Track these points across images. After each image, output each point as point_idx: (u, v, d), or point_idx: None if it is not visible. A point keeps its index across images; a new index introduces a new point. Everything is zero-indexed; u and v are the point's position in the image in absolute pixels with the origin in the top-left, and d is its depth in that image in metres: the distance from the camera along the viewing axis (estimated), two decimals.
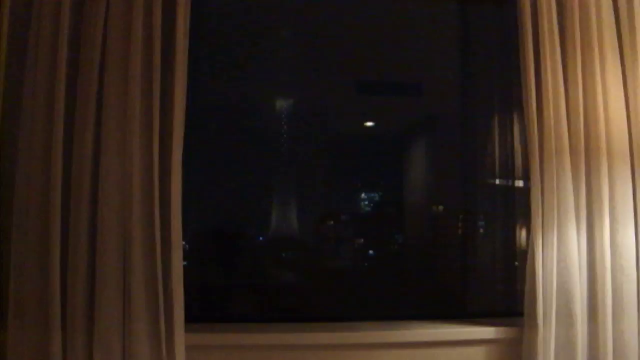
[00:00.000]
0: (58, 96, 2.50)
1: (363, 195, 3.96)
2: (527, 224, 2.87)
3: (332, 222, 3.92)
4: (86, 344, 2.51)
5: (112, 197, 2.54)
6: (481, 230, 3.52)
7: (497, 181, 3.40)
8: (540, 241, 2.75)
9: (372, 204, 3.97)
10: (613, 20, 2.88)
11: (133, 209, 2.53)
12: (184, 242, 2.75)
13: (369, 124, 3.90)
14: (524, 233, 3.18)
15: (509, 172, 3.33)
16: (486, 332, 2.87)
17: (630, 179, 2.81)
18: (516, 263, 3.26)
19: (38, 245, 2.50)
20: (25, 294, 2.50)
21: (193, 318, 2.76)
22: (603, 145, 2.78)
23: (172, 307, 2.54)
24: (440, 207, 3.80)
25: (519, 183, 3.25)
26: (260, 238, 3.91)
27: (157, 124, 2.57)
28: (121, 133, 2.57)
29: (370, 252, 3.94)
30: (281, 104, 3.72)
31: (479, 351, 2.87)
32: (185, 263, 2.73)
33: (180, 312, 2.56)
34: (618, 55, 2.86)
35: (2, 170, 2.56)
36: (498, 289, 3.36)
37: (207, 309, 3.33)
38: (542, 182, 2.77)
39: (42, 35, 2.56)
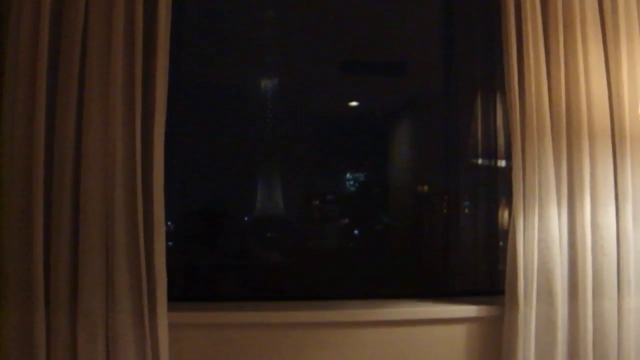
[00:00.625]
0: (40, 77, 2.49)
1: (348, 175, 3.97)
2: (510, 204, 2.87)
3: (317, 202, 3.93)
4: (70, 322, 2.52)
5: (95, 177, 2.54)
6: (465, 210, 3.54)
7: (480, 161, 3.41)
8: (521, 221, 2.76)
9: (357, 184, 3.98)
10: (596, 0, 2.88)
11: (115, 189, 2.53)
12: (169, 222, 2.76)
13: (354, 103, 3.90)
14: (506, 213, 3.19)
15: (491, 153, 3.34)
16: (467, 310, 2.89)
17: (611, 160, 2.83)
18: (500, 243, 3.27)
19: (21, 225, 2.50)
20: (8, 274, 2.51)
21: (177, 297, 2.78)
22: (584, 126, 2.79)
23: (155, 285, 2.55)
24: (425, 187, 3.81)
25: (502, 163, 3.27)
26: (246, 218, 3.92)
27: (139, 105, 2.57)
28: (103, 114, 2.56)
29: (355, 231, 3.95)
30: (265, 83, 3.72)
31: (460, 329, 2.90)
32: (170, 243, 2.74)
33: (163, 290, 2.57)
34: (600, 36, 2.87)
35: None
36: (480, 269, 3.38)
37: (191, 288, 3.35)
38: (523, 162, 2.78)
39: (23, 14, 2.55)
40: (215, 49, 3.63)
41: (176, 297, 2.74)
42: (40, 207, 2.47)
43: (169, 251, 2.63)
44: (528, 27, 2.80)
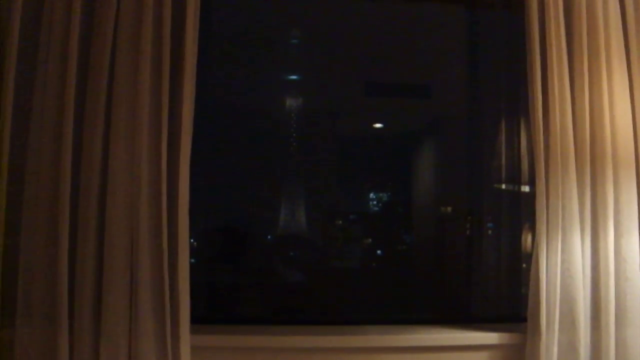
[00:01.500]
0: (68, 98, 2.51)
1: (371, 195, 3.98)
2: (533, 227, 2.86)
3: (340, 222, 3.94)
4: (93, 342, 2.52)
5: (120, 197, 2.55)
6: (488, 233, 3.53)
7: (504, 185, 3.40)
8: (544, 246, 2.74)
9: (380, 204, 3.99)
10: (620, 26, 2.87)
11: (140, 210, 2.54)
12: (192, 240, 2.77)
13: (378, 125, 3.91)
14: (529, 236, 3.18)
15: (515, 176, 3.33)
16: (490, 337, 2.87)
17: (635, 186, 2.81)
18: (524, 265, 3.26)
19: (46, 244, 2.52)
20: (33, 293, 2.52)
21: (200, 318, 2.79)
22: (608, 151, 2.78)
23: (178, 307, 2.55)
24: (448, 209, 3.81)
25: (525, 188, 3.26)
26: (269, 237, 3.93)
27: (165, 125, 2.58)
28: (130, 134, 2.57)
29: (378, 252, 3.95)
30: (291, 104, 3.73)
31: (482, 357, 2.87)
32: (192, 261, 2.75)
33: (186, 313, 2.57)
34: (625, 62, 2.85)
35: (12, 170, 2.57)
36: (503, 293, 3.37)
37: (214, 309, 3.36)
38: (547, 187, 2.77)
39: (52, 39, 2.57)
40: (241, 70, 3.65)
41: (199, 318, 2.74)
42: (65, 228, 2.49)
43: (192, 269, 2.63)
44: (552, 53, 2.79)
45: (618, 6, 2.88)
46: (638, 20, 2.89)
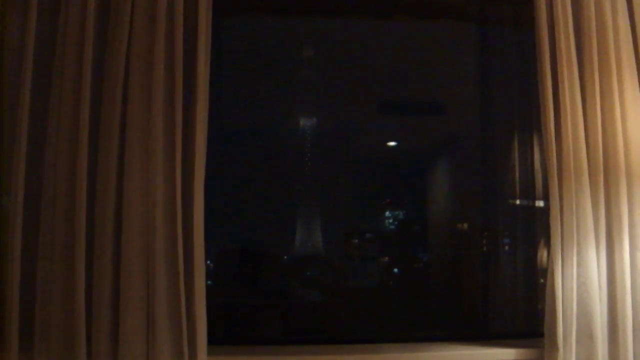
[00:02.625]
0: (82, 124, 2.54)
1: (387, 213, 3.99)
2: (549, 243, 2.85)
3: (356, 241, 3.95)
4: None
5: (136, 222, 2.57)
6: (505, 249, 3.52)
7: (519, 201, 3.40)
8: (559, 261, 2.74)
9: (396, 222, 3.99)
10: (630, 40, 2.88)
11: (156, 233, 2.56)
12: (208, 262, 2.78)
13: (392, 143, 3.92)
14: (545, 252, 3.18)
15: (529, 191, 3.34)
16: (507, 353, 2.86)
17: None
18: (541, 280, 3.25)
19: (63, 269, 2.54)
20: (51, 317, 2.54)
21: (217, 339, 2.80)
22: (621, 165, 2.78)
23: (195, 329, 2.56)
24: (464, 225, 3.81)
25: (540, 203, 3.26)
26: (285, 257, 3.94)
27: (179, 148, 2.60)
28: (144, 158, 2.60)
29: (395, 270, 3.95)
30: (305, 124, 3.75)
31: None
32: (209, 282, 2.76)
33: (203, 335, 2.58)
34: (636, 76, 2.85)
35: (29, 195, 2.60)
36: (520, 309, 3.36)
37: (231, 330, 3.37)
38: (561, 202, 2.77)
39: (66, 61, 2.61)
40: (254, 90, 3.67)
41: (216, 340, 2.75)
42: (82, 253, 2.51)
43: (208, 290, 2.64)
44: (563, 68, 2.80)
45: (628, 20, 2.89)
46: None
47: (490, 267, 3.51)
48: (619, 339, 2.72)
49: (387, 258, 3.97)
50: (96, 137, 2.61)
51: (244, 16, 3.57)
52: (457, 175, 3.87)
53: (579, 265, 2.74)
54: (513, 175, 3.40)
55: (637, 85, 2.86)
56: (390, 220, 4.00)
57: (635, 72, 2.86)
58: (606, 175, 2.79)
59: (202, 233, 2.62)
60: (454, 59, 3.73)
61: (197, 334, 2.56)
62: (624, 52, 2.85)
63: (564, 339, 2.70)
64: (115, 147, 2.59)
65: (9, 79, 2.65)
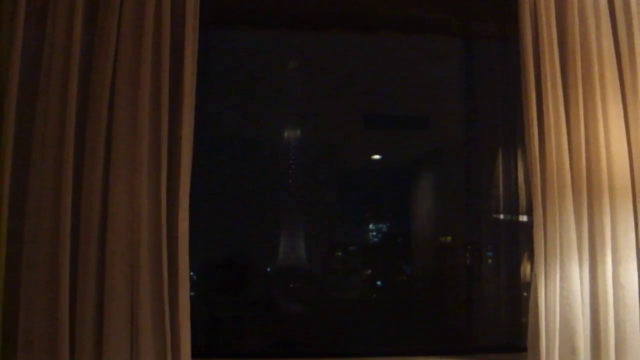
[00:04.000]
0: (68, 135, 2.54)
1: (371, 226, 3.99)
2: (532, 256, 2.87)
3: (340, 254, 3.95)
4: None
5: (120, 232, 2.56)
6: (488, 262, 3.54)
7: (502, 215, 3.42)
8: (543, 276, 2.75)
9: (379, 235, 4.00)
10: (614, 57, 2.90)
11: (140, 244, 2.55)
12: (192, 273, 2.77)
13: (376, 156, 3.93)
14: (529, 266, 3.19)
15: (513, 206, 3.36)
16: None
17: (632, 215, 2.82)
18: (525, 294, 3.26)
19: (47, 278, 2.52)
20: (34, 325, 2.52)
21: (200, 352, 2.79)
22: (605, 181, 2.80)
23: (179, 341, 2.55)
24: (448, 239, 3.82)
25: (524, 217, 3.28)
26: (268, 269, 3.94)
27: (165, 160, 2.60)
28: (129, 169, 2.60)
29: (378, 283, 3.96)
30: (289, 136, 3.76)
31: None
32: (192, 293, 2.76)
33: (187, 347, 2.57)
34: (619, 93, 2.88)
35: (13, 204, 2.59)
36: (503, 323, 3.37)
37: (213, 341, 3.36)
38: (544, 216, 2.78)
39: (53, 70, 2.61)
40: (239, 102, 3.68)
41: (200, 352, 2.74)
42: (66, 263, 2.49)
43: (192, 302, 2.64)
44: (547, 84, 2.82)
45: (611, 36, 2.92)
46: (631, 50, 2.92)
47: (474, 280, 3.53)
48: (602, 353, 2.73)
49: (370, 271, 3.97)
50: (82, 148, 2.60)
51: (230, 29, 3.57)
52: (441, 189, 3.88)
53: (562, 279, 2.76)
54: (497, 190, 3.42)
55: (620, 101, 2.88)
56: (374, 233, 4.00)
57: (619, 88, 2.89)
58: (589, 189, 2.81)
59: (187, 244, 2.62)
60: (438, 73, 3.75)
61: (181, 346, 2.55)
62: (607, 68, 2.87)
63: (546, 353, 2.71)
64: (101, 157, 2.58)
65: None
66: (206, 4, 2.78)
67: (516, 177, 3.32)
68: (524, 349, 2.82)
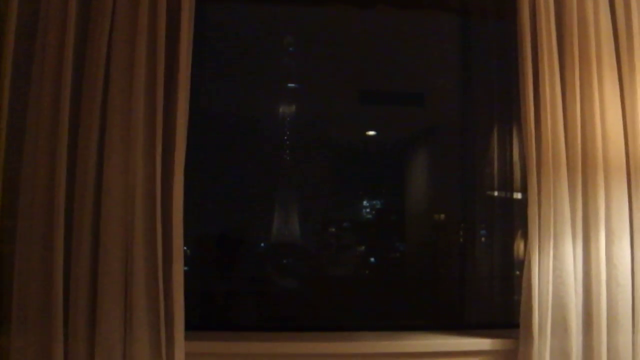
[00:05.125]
0: (63, 107, 2.54)
1: (365, 202, 3.99)
2: (526, 234, 2.88)
3: (333, 230, 3.95)
4: (88, 350, 2.54)
5: (115, 206, 2.57)
6: (482, 240, 3.54)
7: (497, 192, 3.42)
8: (536, 253, 2.77)
9: (373, 212, 3.99)
10: (611, 36, 2.91)
11: (135, 219, 2.56)
12: (185, 248, 2.78)
13: (371, 133, 3.93)
14: (522, 243, 3.20)
15: (507, 183, 3.36)
16: (482, 343, 2.89)
17: (626, 193, 2.84)
18: (517, 272, 3.27)
19: (41, 252, 2.54)
20: (28, 299, 2.54)
21: (194, 325, 2.80)
22: (599, 159, 2.81)
23: (173, 315, 2.57)
24: (442, 216, 3.82)
25: (518, 195, 3.28)
26: (262, 244, 3.94)
27: (159, 134, 2.61)
28: (124, 143, 2.60)
29: (372, 259, 3.96)
30: (283, 112, 3.75)
31: None
32: (186, 268, 2.76)
33: (180, 320, 2.59)
34: (616, 71, 2.89)
35: (7, 177, 2.59)
36: (496, 300, 3.39)
37: (207, 317, 3.37)
38: (539, 194, 2.79)
39: (48, 45, 2.60)
40: (234, 78, 3.66)
41: (193, 325, 2.76)
42: (60, 236, 2.51)
43: (185, 276, 2.65)
44: (544, 62, 2.82)
45: (609, 14, 2.92)
46: (629, 29, 2.93)
47: (467, 257, 3.53)
48: (594, 331, 2.76)
49: (364, 247, 3.98)
50: (76, 123, 2.60)
51: (225, 3, 3.56)
52: (435, 166, 3.88)
53: (555, 257, 2.77)
54: (492, 167, 3.42)
55: (617, 80, 2.89)
56: (368, 210, 4.00)
57: (615, 67, 2.90)
58: (584, 168, 2.83)
59: (182, 219, 2.63)
60: (435, 49, 3.74)
61: (175, 319, 2.57)
62: (604, 46, 2.88)
63: (539, 330, 2.73)
64: (96, 132, 2.59)
65: None
66: None
67: (511, 154, 3.32)
68: (516, 326, 2.84)
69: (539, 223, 2.78)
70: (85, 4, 2.67)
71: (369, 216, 3.99)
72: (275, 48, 3.76)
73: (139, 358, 2.54)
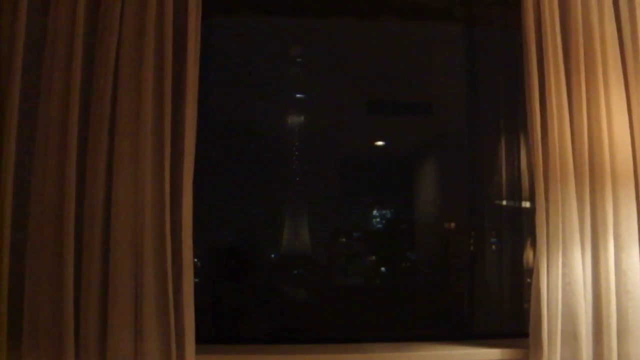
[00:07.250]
0: (72, 121, 2.55)
1: (374, 212, 4.00)
2: (535, 243, 2.87)
3: (344, 240, 3.96)
4: None
5: (124, 219, 2.58)
6: (492, 248, 3.54)
7: (505, 201, 3.42)
8: (545, 262, 2.76)
9: (383, 222, 4.00)
10: (617, 44, 2.90)
11: (144, 231, 2.56)
12: (196, 260, 2.79)
13: (380, 143, 3.94)
14: (531, 252, 3.19)
15: (516, 192, 3.36)
16: (492, 353, 2.87)
17: (634, 200, 2.83)
18: (528, 280, 3.27)
19: (52, 266, 2.54)
20: (39, 313, 2.54)
21: (204, 337, 2.81)
22: (607, 166, 2.80)
23: (183, 327, 2.57)
24: (451, 225, 3.83)
25: (526, 203, 3.28)
26: (273, 255, 3.95)
27: (168, 146, 2.61)
28: (133, 155, 2.61)
29: (382, 269, 3.96)
30: (292, 123, 3.76)
31: None
32: (196, 280, 2.77)
33: (191, 333, 2.59)
34: (622, 80, 2.88)
35: (18, 191, 2.60)
36: (506, 309, 3.38)
37: (218, 328, 3.37)
38: (547, 203, 2.78)
39: (55, 63, 2.61)
40: (243, 89, 3.68)
41: (204, 338, 2.76)
42: (70, 250, 2.51)
43: (196, 288, 2.65)
44: (550, 70, 2.82)
45: (614, 22, 2.91)
46: (634, 36, 2.92)
47: (477, 266, 3.53)
48: (604, 339, 2.74)
49: (374, 257, 3.98)
50: (85, 134, 2.61)
51: (234, 16, 3.57)
52: (444, 175, 3.89)
53: (564, 265, 2.76)
54: (500, 176, 3.42)
55: (623, 87, 2.88)
56: (378, 220, 4.01)
57: (621, 74, 2.89)
58: (592, 176, 2.81)
59: (191, 231, 2.63)
60: (441, 59, 3.75)
61: (185, 332, 2.57)
62: (610, 54, 2.87)
63: (548, 339, 2.72)
64: (105, 144, 2.59)
65: None
66: None
67: (519, 163, 3.32)
68: (526, 335, 2.83)
69: (547, 231, 2.77)
70: (92, 20, 2.68)
71: (379, 226, 4.00)
72: (283, 59, 3.77)
73: None
